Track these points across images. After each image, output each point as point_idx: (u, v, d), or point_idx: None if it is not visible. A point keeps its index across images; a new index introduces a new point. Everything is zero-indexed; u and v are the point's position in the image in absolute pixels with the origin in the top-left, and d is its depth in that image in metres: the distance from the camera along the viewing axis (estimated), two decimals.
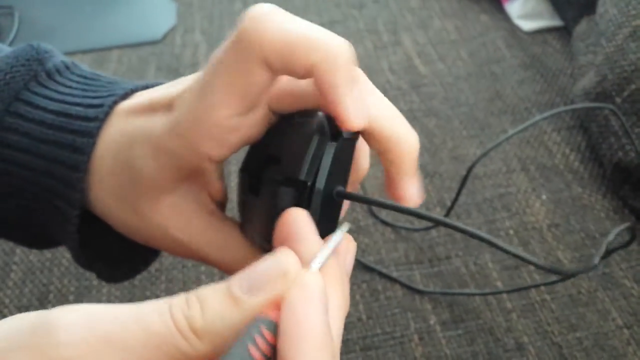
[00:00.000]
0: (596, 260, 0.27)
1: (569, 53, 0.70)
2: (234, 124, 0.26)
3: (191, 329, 0.19)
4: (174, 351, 0.19)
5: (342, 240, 0.25)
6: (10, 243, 0.52)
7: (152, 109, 0.29)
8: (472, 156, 0.58)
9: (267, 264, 0.21)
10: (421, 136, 0.61)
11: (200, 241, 0.30)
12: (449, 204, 0.54)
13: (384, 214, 0.53)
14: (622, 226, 0.29)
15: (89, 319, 0.19)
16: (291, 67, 0.24)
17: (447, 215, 0.49)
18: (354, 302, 0.46)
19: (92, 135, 0.29)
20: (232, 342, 0.19)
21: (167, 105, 0.28)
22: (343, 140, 0.26)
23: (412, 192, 0.28)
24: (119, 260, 0.34)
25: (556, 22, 0.75)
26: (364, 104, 0.25)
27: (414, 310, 0.46)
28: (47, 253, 0.51)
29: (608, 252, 0.28)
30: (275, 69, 0.25)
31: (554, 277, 0.47)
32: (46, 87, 0.31)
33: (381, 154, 0.27)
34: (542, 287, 0.46)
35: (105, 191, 0.30)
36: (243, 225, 0.29)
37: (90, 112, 0.30)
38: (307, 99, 0.27)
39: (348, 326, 0.45)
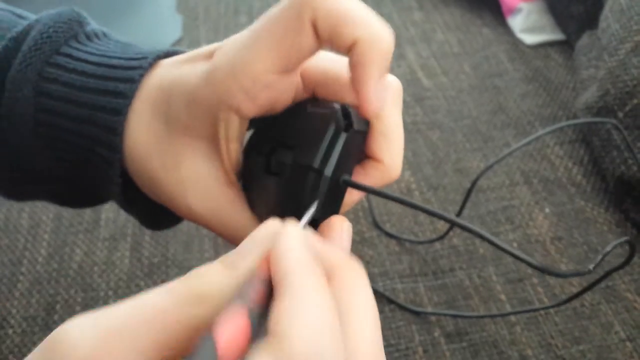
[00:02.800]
0: (591, 266, 0.28)
1: (571, 67, 0.71)
2: (268, 81, 0.27)
3: (192, 295, 0.20)
4: (181, 320, 0.19)
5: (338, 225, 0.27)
6: (16, 253, 0.53)
7: (192, 60, 0.30)
8: (476, 169, 0.59)
9: (253, 232, 0.22)
10: (425, 149, 0.61)
11: (214, 213, 0.30)
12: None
13: (388, 226, 0.54)
14: (622, 239, 0.29)
15: (95, 320, 0.19)
16: (336, 37, 0.25)
17: (451, 228, 0.49)
18: None
19: (134, 81, 0.30)
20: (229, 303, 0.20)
21: (207, 56, 0.29)
22: (353, 132, 0.28)
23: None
24: (160, 212, 0.35)
25: (558, 36, 0.76)
26: (384, 95, 0.27)
27: (418, 323, 0.46)
28: (54, 264, 0.52)
29: (603, 258, 0.29)
30: (321, 36, 0.26)
31: (557, 292, 0.47)
32: (86, 45, 0.32)
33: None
34: (546, 300, 0.47)
35: (140, 141, 0.30)
36: (252, 202, 0.30)
37: (133, 62, 0.31)
38: (341, 90, 0.29)
39: None
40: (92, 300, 0.49)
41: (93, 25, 0.33)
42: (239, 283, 0.21)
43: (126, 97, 0.30)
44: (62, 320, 0.47)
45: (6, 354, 0.45)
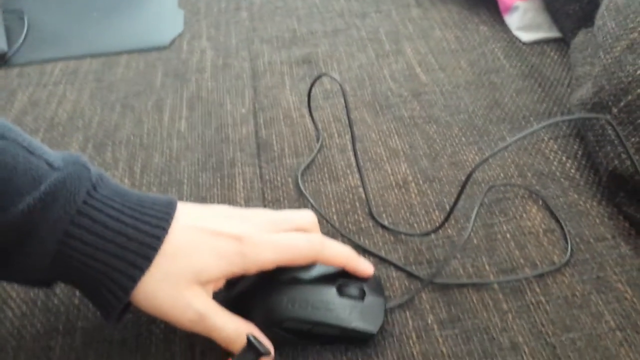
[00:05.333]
0: None
1: (566, 64, 0.72)
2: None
3: None
4: None
5: None
6: None
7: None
8: (471, 162, 0.60)
9: None
10: (421, 142, 0.62)
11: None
12: (447, 208, 0.55)
13: (384, 216, 0.54)
14: None
15: None
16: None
17: (445, 221, 0.50)
18: None
19: (149, 259, 0.37)
20: None
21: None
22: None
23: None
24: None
25: (554, 33, 0.77)
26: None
27: (412, 309, 0.47)
28: None
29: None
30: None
31: (549, 282, 0.48)
32: (100, 205, 0.37)
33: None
34: (538, 289, 0.48)
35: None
36: None
37: (147, 240, 0.37)
38: None
39: None
40: None
41: (92, 168, 0.39)
42: None
43: (141, 270, 0.36)
44: (62, 303, 0.48)
45: (6, 336, 0.46)
